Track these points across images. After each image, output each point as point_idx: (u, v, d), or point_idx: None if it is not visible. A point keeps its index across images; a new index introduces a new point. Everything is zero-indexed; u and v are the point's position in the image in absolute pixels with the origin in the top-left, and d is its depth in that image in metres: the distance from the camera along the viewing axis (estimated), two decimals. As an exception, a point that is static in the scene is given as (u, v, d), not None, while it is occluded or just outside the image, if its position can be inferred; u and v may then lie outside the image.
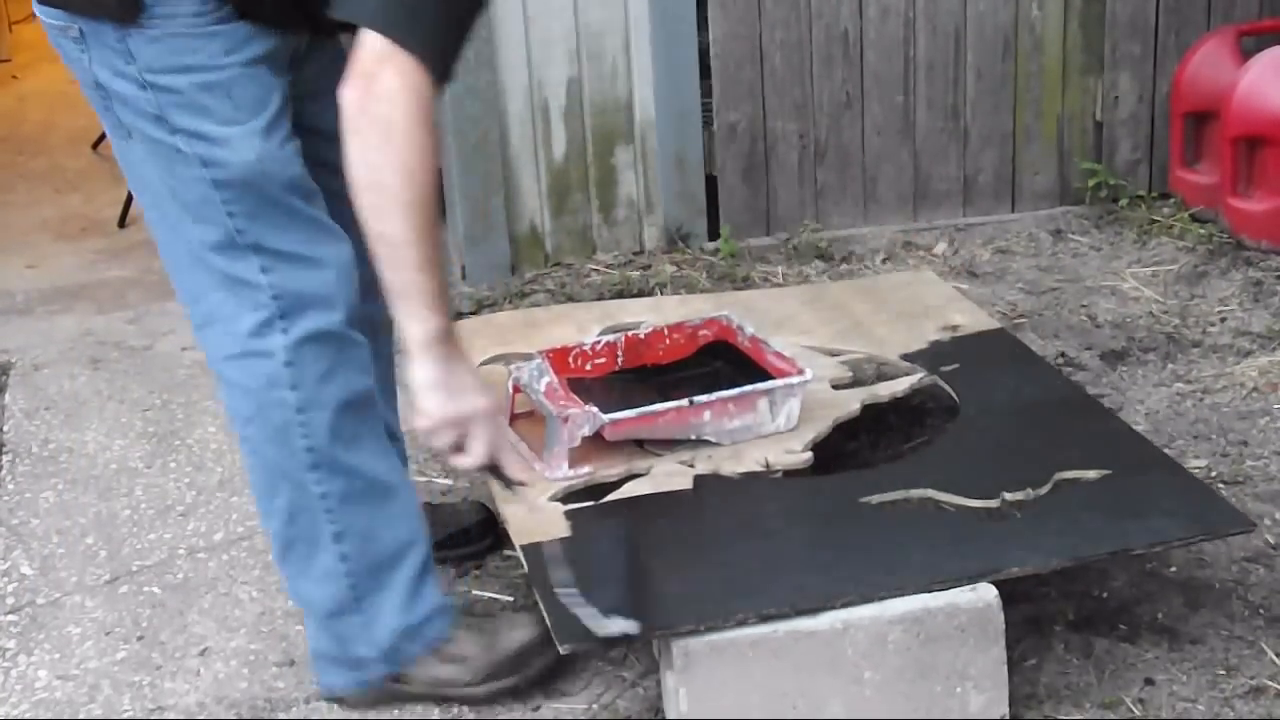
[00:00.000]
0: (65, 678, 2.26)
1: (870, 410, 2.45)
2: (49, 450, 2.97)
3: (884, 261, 3.61)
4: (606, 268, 3.65)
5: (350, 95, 1.76)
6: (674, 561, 2.03)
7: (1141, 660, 2.13)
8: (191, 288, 2.03)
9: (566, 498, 2.19)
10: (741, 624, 1.87)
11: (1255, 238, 3.49)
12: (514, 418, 2.39)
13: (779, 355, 2.39)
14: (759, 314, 2.77)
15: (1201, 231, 3.60)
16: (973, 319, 2.71)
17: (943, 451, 2.33)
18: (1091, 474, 2.15)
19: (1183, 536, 2.07)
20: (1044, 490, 2.11)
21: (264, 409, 1.99)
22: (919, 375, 2.51)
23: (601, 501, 2.18)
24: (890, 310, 2.76)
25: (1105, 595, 2.27)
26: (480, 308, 3.42)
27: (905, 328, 2.64)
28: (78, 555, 2.59)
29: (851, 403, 2.42)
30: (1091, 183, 3.82)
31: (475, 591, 2.40)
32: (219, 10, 1.86)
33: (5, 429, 3.06)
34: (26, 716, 2.18)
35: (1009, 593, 1.96)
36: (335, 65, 1.82)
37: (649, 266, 3.59)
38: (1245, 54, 3.57)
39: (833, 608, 1.90)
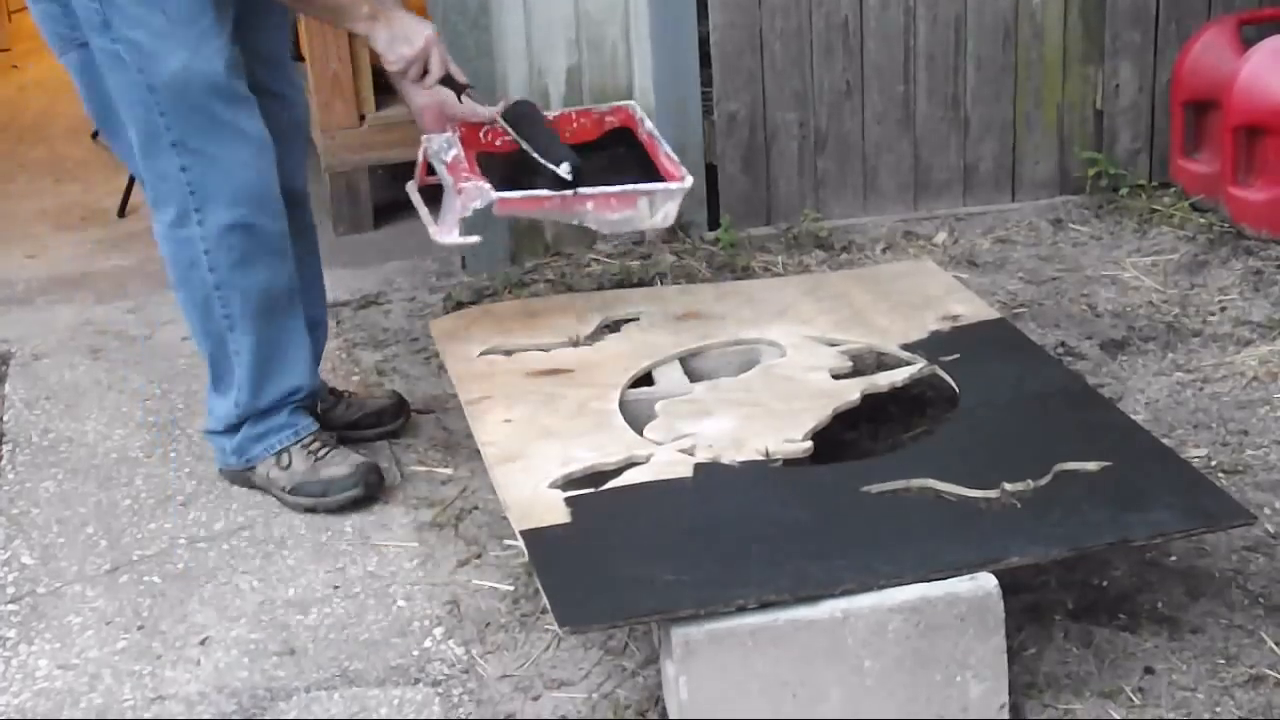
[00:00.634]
0: (66, 667, 2.27)
1: (870, 400, 2.45)
2: (49, 440, 2.97)
3: (884, 251, 3.60)
4: (606, 257, 3.64)
5: None
6: (674, 549, 2.03)
7: (1141, 649, 2.13)
8: (141, 176, 2.51)
9: (567, 485, 2.20)
10: (742, 611, 1.88)
11: (1256, 227, 3.49)
12: (423, 184, 2.62)
13: (669, 157, 2.62)
14: (759, 304, 2.77)
15: (1202, 221, 3.60)
16: (973, 309, 2.71)
17: (943, 441, 2.33)
18: (1092, 464, 2.15)
19: (1183, 528, 2.08)
20: (1044, 480, 2.12)
21: (189, 283, 2.53)
22: (919, 365, 2.51)
23: (601, 489, 2.18)
24: (890, 300, 2.76)
25: (1105, 584, 2.27)
26: (480, 297, 3.42)
27: (905, 318, 2.64)
28: (78, 545, 2.59)
29: (851, 392, 2.42)
30: (1092, 172, 3.82)
31: (475, 581, 2.40)
32: None
33: (5, 419, 3.06)
34: (27, 705, 2.18)
35: (1009, 582, 1.96)
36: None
37: (649, 256, 3.59)
38: (1246, 43, 3.57)
39: (833, 596, 1.90)
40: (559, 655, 2.20)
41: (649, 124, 2.64)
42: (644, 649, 2.17)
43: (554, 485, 2.19)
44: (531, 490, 2.17)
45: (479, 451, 2.36)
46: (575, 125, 2.68)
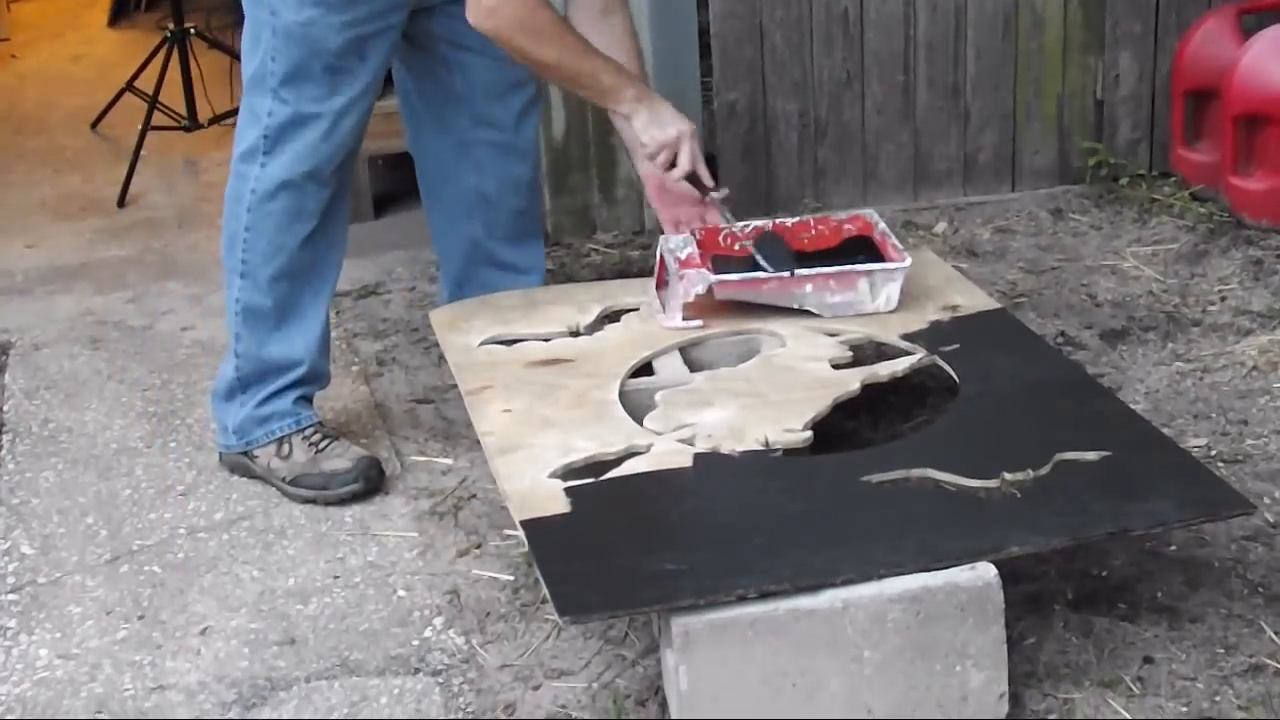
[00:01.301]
0: (66, 656, 2.27)
1: (870, 390, 2.45)
2: (49, 430, 2.97)
3: (884, 241, 3.60)
4: (606, 247, 3.64)
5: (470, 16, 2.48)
6: (673, 539, 2.03)
7: (1141, 639, 2.13)
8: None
9: (567, 475, 2.20)
10: (742, 601, 1.88)
11: (1255, 216, 3.49)
12: (660, 282, 2.69)
13: (895, 247, 2.65)
14: (759, 293, 2.77)
15: (1202, 210, 3.60)
16: (973, 299, 2.71)
17: (943, 431, 2.33)
18: (1091, 454, 2.15)
19: (1183, 518, 2.08)
20: (1044, 470, 2.11)
21: (230, 216, 2.63)
22: (919, 355, 2.51)
23: (601, 479, 2.18)
24: (890, 289, 2.76)
25: (1105, 574, 2.27)
26: (480, 287, 3.41)
27: (905, 307, 2.64)
28: (78, 535, 2.59)
29: (851, 382, 2.42)
30: (1092, 162, 3.81)
31: (475, 571, 2.40)
32: None
33: (5, 409, 3.06)
34: (28, 695, 2.18)
35: (1009, 572, 1.96)
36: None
37: (649, 246, 3.59)
38: (1246, 32, 3.56)
39: (833, 586, 1.90)
40: (559, 645, 2.20)
41: (882, 225, 2.73)
42: (644, 639, 2.17)
43: (554, 475, 2.19)
44: (531, 480, 2.17)
45: (479, 442, 2.36)
46: (813, 232, 2.75)
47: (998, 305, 2.74)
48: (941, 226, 3.68)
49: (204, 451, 2.82)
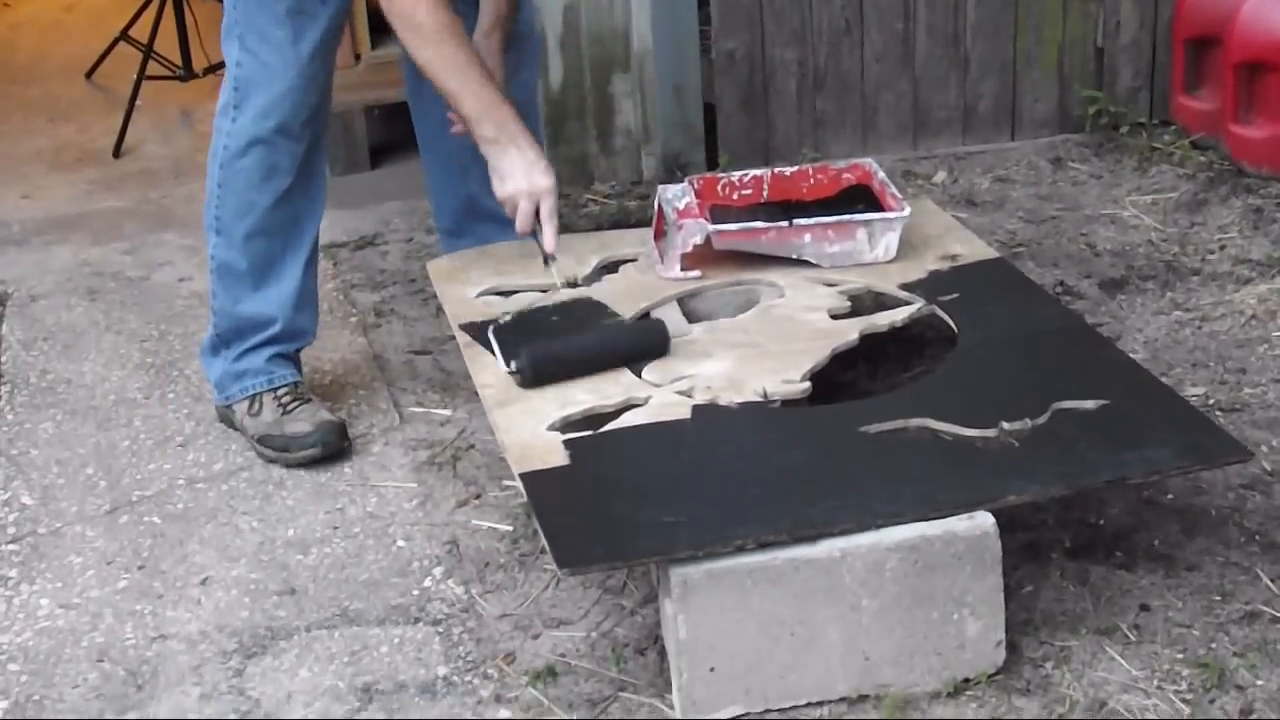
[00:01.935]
0: (67, 606, 2.28)
1: (869, 340, 2.45)
2: (47, 381, 2.97)
3: (883, 190, 3.59)
4: (604, 198, 3.63)
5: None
6: (672, 490, 2.03)
7: (1137, 587, 2.14)
8: None
9: (565, 427, 2.20)
10: (740, 551, 1.89)
11: (1256, 164, 3.47)
12: (658, 232, 2.65)
13: (894, 196, 2.62)
14: (757, 243, 2.76)
15: (1202, 159, 3.58)
16: (972, 248, 2.70)
17: (941, 381, 2.33)
18: (1089, 403, 2.15)
19: (1180, 465, 2.08)
20: (1042, 419, 2.12)
21: (210, 171, 2.61)
22: (917, 305, 2.50)
23: (599, 431, 2.19)
24: (889, 239, 2.75)
25: (1102, 523, 2.28)
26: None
27: (904, 257, 2.63)
28: (78, 485, 2.60)
29: (850, 332, 2.42)
30: (1092, 110, 3.79)
31: (474, 521, 2.41)
32: None
33: (3, 360, 3.06)
34: (29, 644, 2.19)
35: (1006, 521, 1.97)
36: None
37: (647, 196, 3.57)
38: (1249, -21, 3.54)
39: (831, 535, 1.91)
40: (558, 594, 2.21)
41: (881, 174, 2.70)
42: (643, 588, 2.18)
43: (552, 428, 2.19)
44: (530, 433, 2.17)
45: (477, 393, 2.36)
46: (812, 181, 2.73)
47: (997, 255, 2.73)
48: (941, 176, 3.66)
49: (202, 403, 2.82)
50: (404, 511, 2.46)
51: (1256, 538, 2.24)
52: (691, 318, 2.53)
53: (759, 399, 2.24)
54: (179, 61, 4.46)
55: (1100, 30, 3.78)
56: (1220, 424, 2.35)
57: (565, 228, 3.40)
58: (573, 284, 2.61)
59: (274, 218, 2.60)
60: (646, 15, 3.59)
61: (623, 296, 2.56)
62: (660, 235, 2.69)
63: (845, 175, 2.75)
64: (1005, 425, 2.10)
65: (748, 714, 1.94)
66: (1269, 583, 2.14)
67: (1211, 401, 2.60)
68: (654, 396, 2.25)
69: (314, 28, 2.52)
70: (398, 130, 2.88)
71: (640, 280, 2.62)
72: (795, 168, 2.78)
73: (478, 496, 2.48)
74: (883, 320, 2.47)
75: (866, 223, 2.59)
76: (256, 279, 2.63)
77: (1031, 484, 2.00)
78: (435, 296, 2.85)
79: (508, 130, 2.42)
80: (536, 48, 2.87)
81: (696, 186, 2.69)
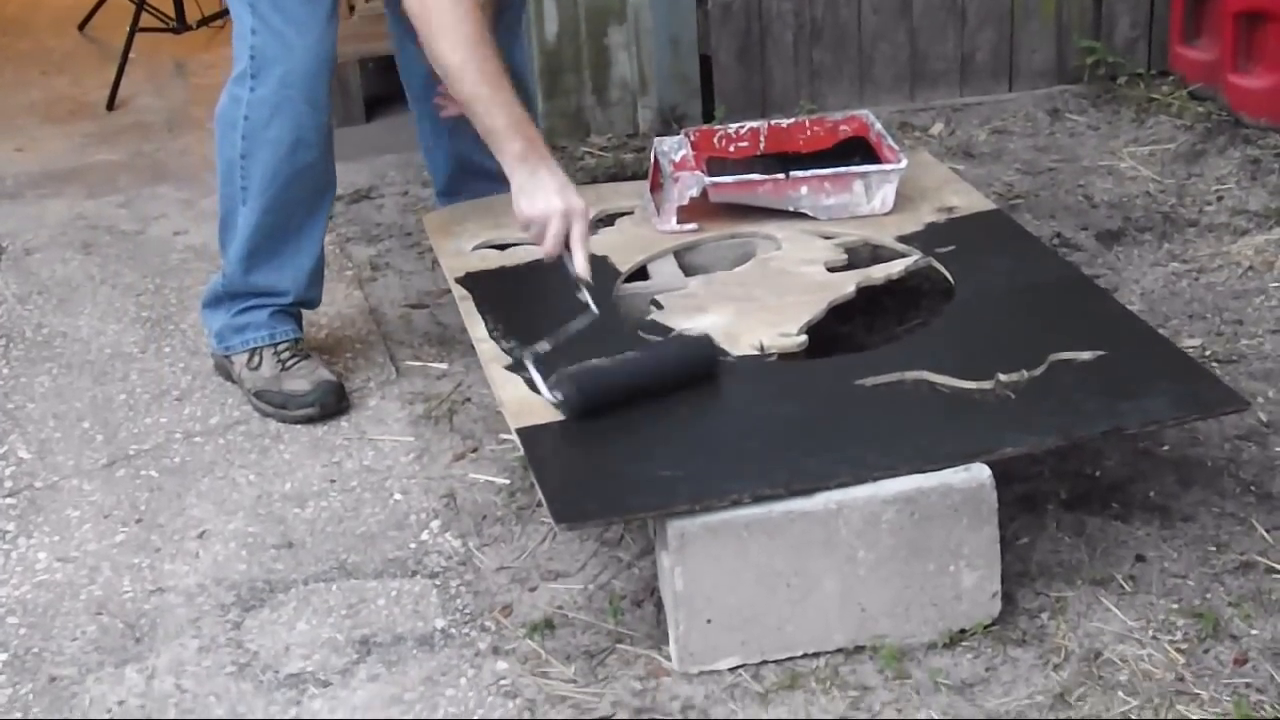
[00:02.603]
0: (65, 559, 2.28)
1: (865, 293, 2.45)
2: (43, 335, 2.96)
3: (880, 142, 3.57)
4: (600, 150, 3.61)
5: None
6: (669, 443, 2.04)
7: (1133, 538, 2.15)
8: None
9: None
10: (736, 504, 1.89)
11: (1254, 115, 3.46)
12: (655, 185, 2.64)
13: (891, 147, 2.62)
14: (754, 195, 2.75)
15: (1200, 109, 3.56)
16: (969, 200, 2.69)
17: (938, 333, 2.33)
18: (1086, 354, 2.15)
19: (1176, 416, 2.08)
20: (1038, 371, 2.12)
21: (225, 142, 2.56)
22: (914, 257, 2.50)
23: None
24: (886, 191, 2.74)
25: (1098, 474, 2.28)
26: (473, 191, 3.39)
27: (900, 209, 2.62)
28: (74, 439, 2.60)
29: (846, 285, 2.41)
30: (1090, 60, 3.77)
31: (471, 475, 2.41)
32: None
33: (-2, 315, 3.05)
34: (28, 597, 2.20)
35: (1002, 472, 1.97)
36: None
37: (643, 149, 3.56)
38: (1249, -73, 3.51)
39: (827, 488, 1.91)
40: (555, 547, 2.22)
41: (878, 126, 2.69)
42: (639, 541, 2.19)
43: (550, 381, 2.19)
44: (526, 388, 2.17)
45: (473, 347, 2.36)
46: (809, 133, 2.71)
47: (994, 206, 2.73)
48: (938, 127, 3.65)
49: (198, 356, 2.82)
50: (401, 465, 2.47)
51: (1252, 488, 2.24)
52: (688, 271, 2.52)
53: (756, 352, 2.23)
54: (172, 13, 4.43)
55: (1099, -20, 3.76)
56: (1217, 375, 2.35)
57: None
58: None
59: (298, 190, 2.56)
60: (643, -35, 3.56)
61: (619, 249, 2.55)
62: (656, 188, 2.68)
63: (842, 127, 2.74)
64: (1002, 377, 2.10)
65: (744, 665, 1.95)
66: (1264, 533, 2.14)
67: (1208, 353, 2.60)
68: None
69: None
70: (393, 83, 2.86)
71: (636, 233, 2.61)
72: (792, 120, 2.76)
73: (474, 450, 2.48)
74: (879, 273, 2.47)
75: (863, 175, 2.58)
76: (274, 252, 2.60)
77: (1028, 435, 2.00)
78: (431, 250, 2.85)
79: (537, 149, 2.29)
80: (521, 14, 2.83)
81: (693, 139, 2.67)
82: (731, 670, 1.94)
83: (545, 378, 2.11)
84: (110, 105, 4.21)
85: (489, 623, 2.08)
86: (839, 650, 1.96)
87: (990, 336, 2.26)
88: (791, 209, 2.59)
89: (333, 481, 2.44)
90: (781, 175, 2.57)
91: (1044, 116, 3.67)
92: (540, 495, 1.99)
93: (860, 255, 2.55)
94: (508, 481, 2.38)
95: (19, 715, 1.98)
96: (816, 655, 1.96)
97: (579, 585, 2.14)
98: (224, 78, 2.58)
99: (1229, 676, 1.90)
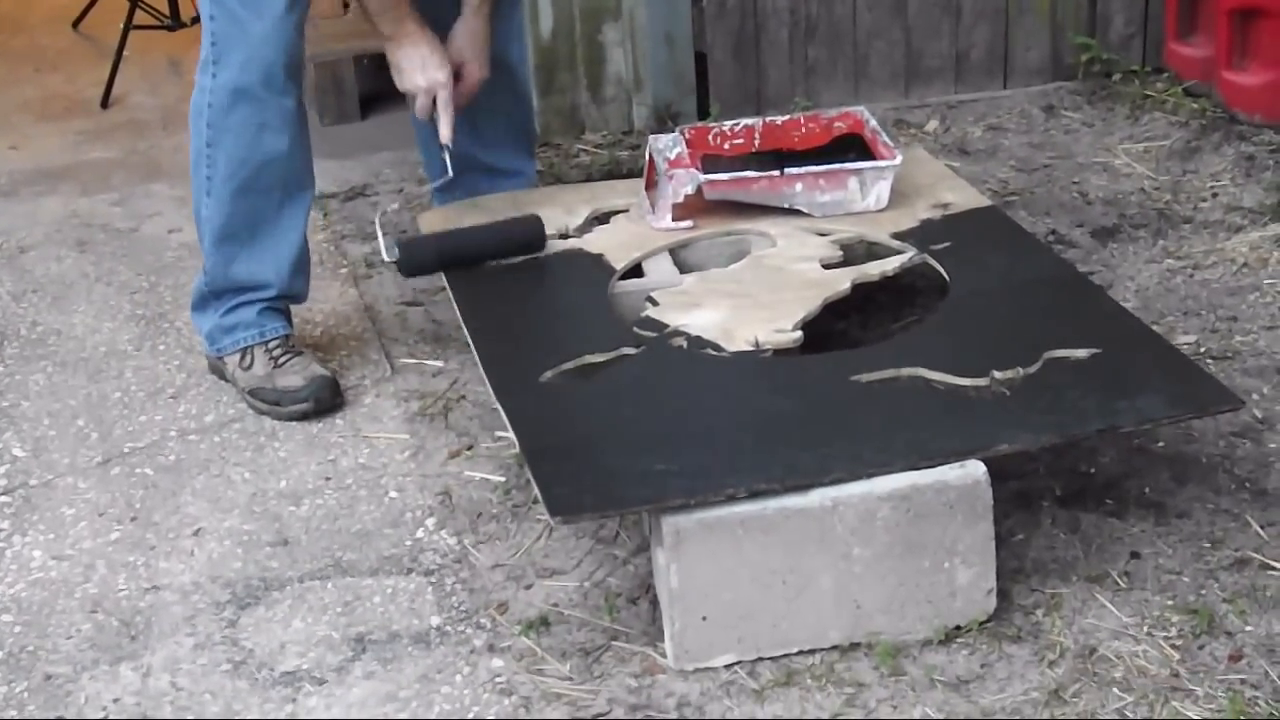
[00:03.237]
0: (60, 558, 2.28)
1: (860, 289, 2.45)
2: (37, 333, 2.96)
3: (875, 139, 3.57)
4: (595, 148, 3.61)
5: None
6: (664, 439, 2.04)
7: (1128, 534, 2.15)
8: None
9: (558, 377, 2.20)
10: (732, 499, 1.89)
11: (1249, 112, 3.46)
12: (649, 182, 2.65)
13: (886, 145, 2.63)
14: (749, 192, 2.75)
15: (1195, 106, 3.57)
16: (964, 197, 2.69)
17: (933, 330, 2.33)
18: (1081, 352, 2.16)
19: (1171, 414, 2.08)
20: (1033, 368, 2.12)
21: (192, 130, 2.57)
22: (909, 254, 2.50)
23: (591, 379, 2.19)
24: (881, 188, 2.74)
25: (1093, 471, 2.29)
26: (468, 188, 3.38)
27: (895, 206, 2.62)
28: (69, 437, 2.60)
29: (842, 282, 2.42)
30: (1084, 57, 3.77)
31: (467, 472, 2.41)
32: None
33: (-8, 312, 3.05)
34: (23, 595, 2.20)
35: (998, 469, 1.97)
36: None
37: (638, 147, 3.56)
38: (1244, -76, 3.51)
39: (823, 485, 1.91)
40: (551, 544, 2.22)
41: (873, 123, 2.70)
42: (635, 538, 2.19)
43: (545, 379, 2.19)
44: (522, 383, 2.17)
45: (468, 344, 2.36)
46: (804, 130, 2.72)
47: (989, 203, 2.73)
48: (933, 124, 3.65)
49: (193, 354, 2.81)
50: (396, 462, 2.47)
51: (1246, 485, 2.25)
52: (683, 268, 2.52)
53: (751, 348, 2.23)
54: (166, 11, 4.42)
55: (1094, -23, 3.76)
56: (1211, 372, 2.35)
57: (556, 178, 3.40)
58: (564, 235, 2.60)
59: (266, 177, 2.54)
60: (638, -38, 3.55)
61: (615, 247, 2.55)
62: (651, 185, 2.68)
63: (837, 124, 2.74)
64: (997, 374, 2.10)
65: (740, 662, 1.95)
66: (1258, 529, 2.15)
67: (1203, 350, 2.60)
68: (646, 346, 2.25)
69: None
70: (387, 80, 2.85)
71: (632, 231, 2.61)
72: (787, 117, 2.76)
73: (470, 447, 2.48)
74: (874, 269, 2.47)
75: (858, 172, 2.58)
76: (249, 241, 2.58)
77: (1023, 433, 2.00)
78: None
79: (405, 28, 2.51)
80: (523, 15, 2.84)
81: (688, 136, 2.67)
82: (727, 667, 1.94)
83: (385, 237, 2.43)
84: (105, 103, 4.21)
85: (484, 620, 2.08)
86: (834, 647, 1.96)
87: (985, 333, 2.27)
88: (786, 206, 2.59)
89: (328, 479, 2.44)
90: (776, 172, 2.57)
91: (1039, 113, 3.67)
92: (536, 490, 1.99)
93: (855, 252, 2.55)
94: (503, 479, 2.38)
95: (13, 714, 1.98)
96: (812, 652, 1.96)
97: (574, 582, 2.14)
98: (217, 76, 2.57)
99: (1224, 673, 1.90)
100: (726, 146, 2.71)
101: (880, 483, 1.92)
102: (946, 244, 2.50)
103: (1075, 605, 2.03)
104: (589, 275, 2.48)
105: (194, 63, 2.51)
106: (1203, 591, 2.04)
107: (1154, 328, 2.46)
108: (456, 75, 2.62)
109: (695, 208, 2.58)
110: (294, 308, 2.75)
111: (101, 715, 1.97)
